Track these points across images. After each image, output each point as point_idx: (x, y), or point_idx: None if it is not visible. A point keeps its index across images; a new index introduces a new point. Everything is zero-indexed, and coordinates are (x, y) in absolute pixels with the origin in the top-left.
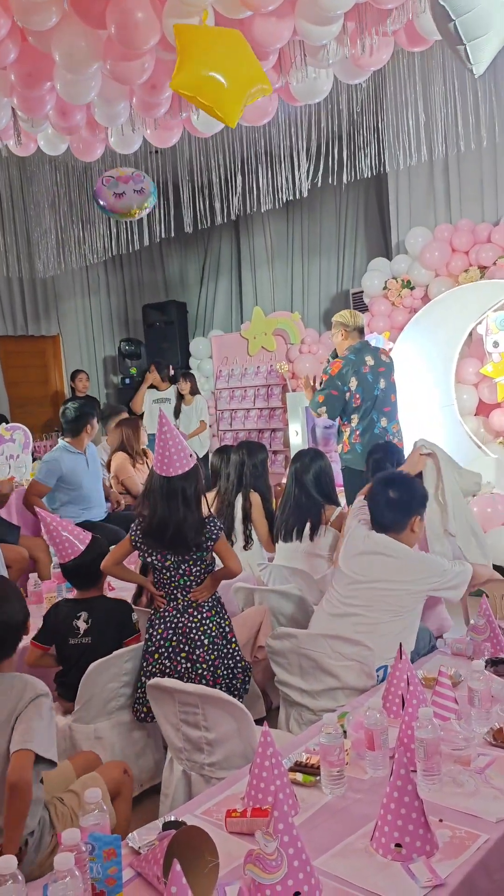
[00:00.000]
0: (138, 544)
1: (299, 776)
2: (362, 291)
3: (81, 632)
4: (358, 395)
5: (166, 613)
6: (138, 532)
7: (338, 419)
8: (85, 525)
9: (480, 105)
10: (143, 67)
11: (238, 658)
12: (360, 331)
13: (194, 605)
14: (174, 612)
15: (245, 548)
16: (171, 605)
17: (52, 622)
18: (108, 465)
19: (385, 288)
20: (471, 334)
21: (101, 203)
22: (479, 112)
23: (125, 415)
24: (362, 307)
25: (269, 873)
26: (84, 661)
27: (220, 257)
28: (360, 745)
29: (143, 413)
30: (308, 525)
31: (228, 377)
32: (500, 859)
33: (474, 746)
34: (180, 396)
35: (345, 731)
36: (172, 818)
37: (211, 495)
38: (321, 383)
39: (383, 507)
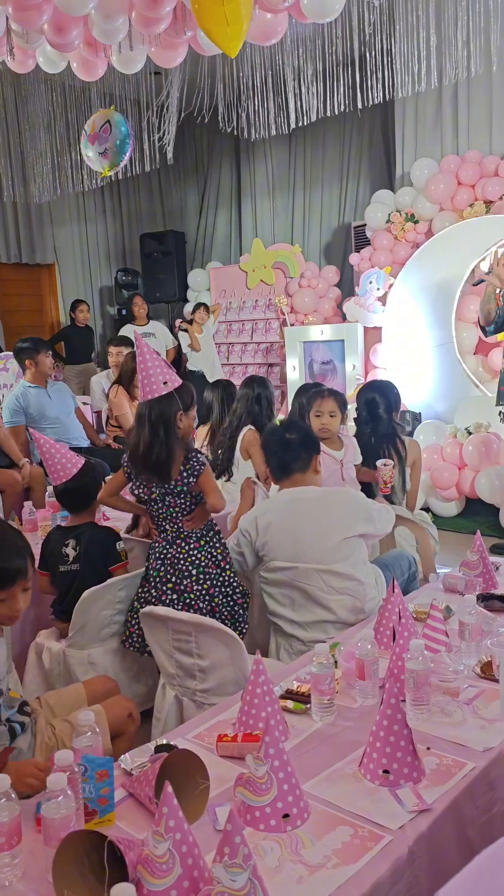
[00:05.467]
0: (129, 473)
1: (290, 703)
2: (365, 224)
3: (70, 559)
4: None
5: (157, 545)
6: (128, 461)
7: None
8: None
9: (492, 28)
10: None
11: (235, 584)
12: None
13: (183, 535)
14: (164, 544)
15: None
16: (161, 536)
17: (45, 549)
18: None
19: (388, 221)
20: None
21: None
22: (490, 36)
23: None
24: (364, 241)
25: (258, 796)
26: (74, 589)
27: (220, 187)
28: (350, 675)
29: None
30: None
31: (226, 310)
32: (485, 786)
33: (463, 678)
34: (190, 324)
35: (336, 662)
36: (164, 741)
37: (203, 429)
38: None
39: (283, 447)
